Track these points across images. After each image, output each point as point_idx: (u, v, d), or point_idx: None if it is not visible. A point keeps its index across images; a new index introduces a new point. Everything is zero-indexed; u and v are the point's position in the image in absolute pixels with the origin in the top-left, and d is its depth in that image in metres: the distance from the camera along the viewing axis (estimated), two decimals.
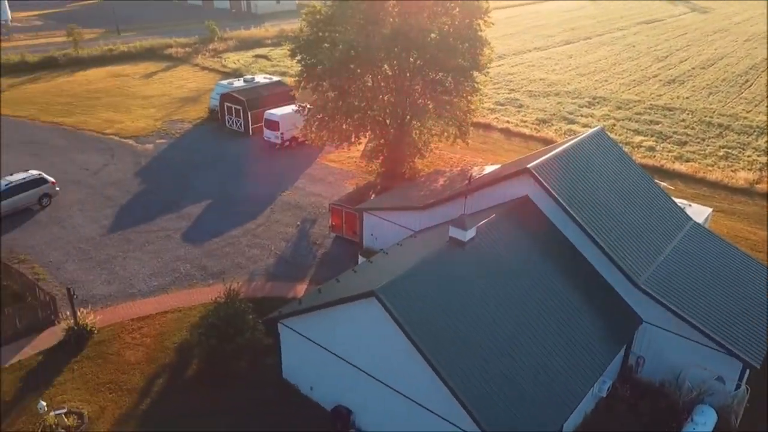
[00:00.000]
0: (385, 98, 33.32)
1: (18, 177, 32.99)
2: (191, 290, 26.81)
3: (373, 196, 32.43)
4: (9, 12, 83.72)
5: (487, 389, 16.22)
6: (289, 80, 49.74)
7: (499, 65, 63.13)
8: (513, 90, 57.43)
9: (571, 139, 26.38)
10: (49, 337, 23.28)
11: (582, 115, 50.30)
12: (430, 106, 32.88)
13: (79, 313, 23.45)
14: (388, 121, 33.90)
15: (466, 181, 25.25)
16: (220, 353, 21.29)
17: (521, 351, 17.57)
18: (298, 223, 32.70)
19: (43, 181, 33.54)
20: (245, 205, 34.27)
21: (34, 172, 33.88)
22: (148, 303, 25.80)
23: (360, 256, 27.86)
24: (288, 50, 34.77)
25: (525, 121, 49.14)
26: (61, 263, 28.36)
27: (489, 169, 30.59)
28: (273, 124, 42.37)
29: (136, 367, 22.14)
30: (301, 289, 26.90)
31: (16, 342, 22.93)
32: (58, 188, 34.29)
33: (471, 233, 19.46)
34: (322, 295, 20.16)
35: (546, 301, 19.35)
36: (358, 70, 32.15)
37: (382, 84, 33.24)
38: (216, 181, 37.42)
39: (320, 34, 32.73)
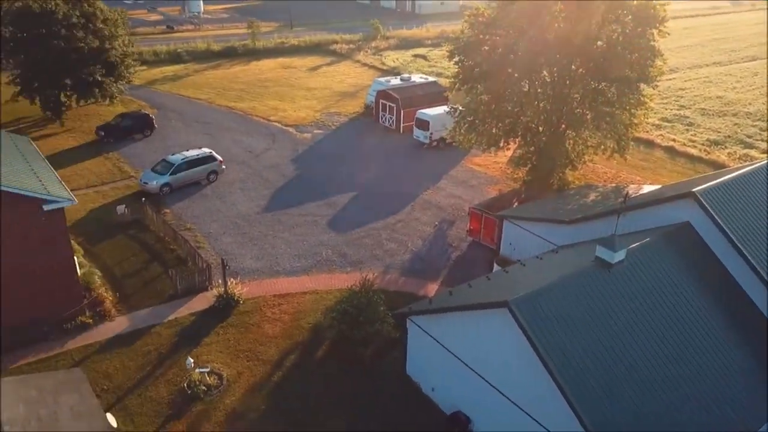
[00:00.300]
0: (541, 105, 32.31)
1: (192, 153, 36.56)
2: (330, 275, 28.01)
3: (516, 204, 31.63)
4: (202, 5, 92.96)
5: (614, 417, 15.14)
6: (444, 81, 50.04)
7: (670, 79, 58.54)
8: (683, 106, 53.00)
9: (747, 166, 23.76)
10: (201, 301, 25.54)
11: (763, 140, 45.16)
12: (588, 117, 31.32)
13: (229, 283, 25.48)
14: (540, 129, 32.85)
15: (621, 199, 23.75)
16: (349, 339, 22.03)
17: (657, 387, 16.17)
18: (436, 223, 32.83)
19: (213, 159, 36.84)
20: (388, 199, 35.08)
21: (206, 150, 37.33)
22: (291, 282, 27.36)
23: (495, 264, 27.33)
24: (447, 51, 34.93)
25: (694, 141, 45.16)
26: (218, 235, 30.99)
27: (647, 188, 28.48)
28: (423, 124, 42.89)
29: (272, 341, 23.59)
30: (432, 288, 27.01)
31: (175, 301, 25.44)
32: (224, 166, 37.48)
33: (620, 255, 18.24)
34: (452, 297, 20.06)
35: (697, 339, 17.63)
36: (516, 75, 31.48)
37: (539, 90, 32.26)
38: (363, 174, 38.69)
39: (481, 36, 32.47)
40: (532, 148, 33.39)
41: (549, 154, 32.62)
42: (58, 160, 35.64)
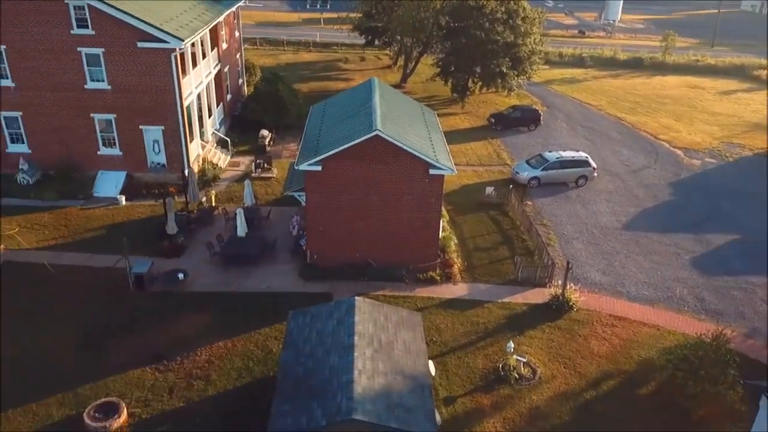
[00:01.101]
0: None
1: (568, 154, 36.86)
2: (678, 315, 25.28)
3: None
4: (620, 13, 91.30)
5: None
6: None
7: None
8: None
9: None
10: (537, 295, 25.95)
11: None
12: None
13: (568, 287, 25.26)
14: None
15: None
16: (681, 389, 19.69)
17: None
18: None
19: (587, 164, 36.49)
20: None
21: (582, 154, 37.16)
22: (631, 307, 25.65)
23: None
24: None
25: None
26: (571, 238, 30.79)
27: None
28: None
29: (595, 358, 22.64)
30: None
31: (513, 287, 26.47)
32: (596, 174, 36.79)
33: None
34: None
35: None
36: None
37: None
38: (753, 218, 33.31)
39: None
40: None
41: None
42: (451, 136, 39.98)
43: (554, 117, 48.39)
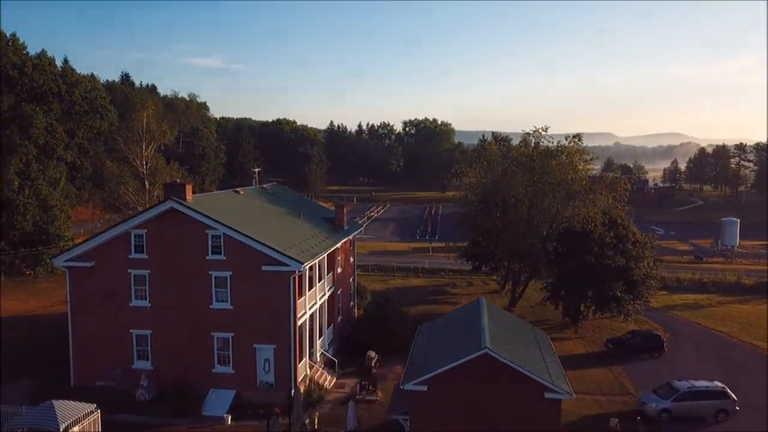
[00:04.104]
0: None
1: (701, 384, 33.17)
2: None
3: None
4: (738, 238, 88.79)
5: None
6: None
7: None
8: None
9: None
10: None
11: None
12: None
13: None
14: None
15: None
16: None
17: None
18: None
19: (725, 395, 32.44)
20: None
21: (718, 384, 33.27)
22: None
23: None
24: None
25: None
26: None
27: None
28: None
29: None
30: None
31: None
32: (738, 408, 32.37)
33: None
34: None
35: None
36: None
37: None
38: None
39: None
40: None
41: None
42: (565, 362, 37.61)
43: (679, 343, 44.86)
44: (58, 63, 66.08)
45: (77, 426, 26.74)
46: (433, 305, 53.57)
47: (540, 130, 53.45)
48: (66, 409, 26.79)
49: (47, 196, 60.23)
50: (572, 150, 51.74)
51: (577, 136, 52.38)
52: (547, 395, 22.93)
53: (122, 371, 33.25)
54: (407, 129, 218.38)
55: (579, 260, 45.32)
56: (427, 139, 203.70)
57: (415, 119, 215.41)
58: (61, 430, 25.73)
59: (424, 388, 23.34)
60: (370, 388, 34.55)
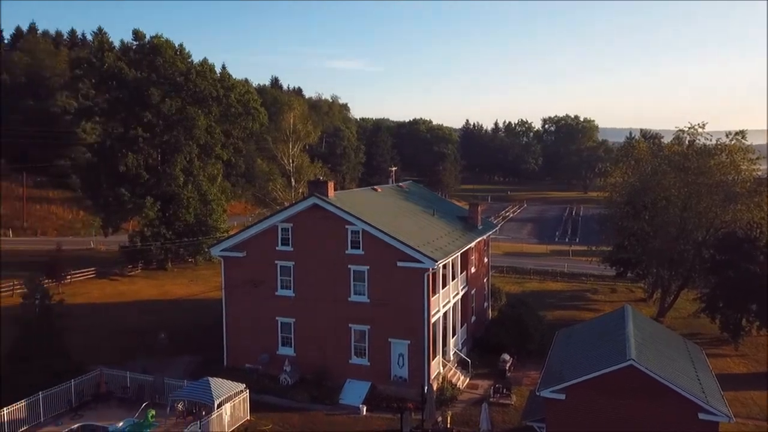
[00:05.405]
0: None
1: None
2: None
3: None
4: None
5: None
6: None
7: None
8: None
9: None
10: None
11: None
12: None
13: None
14: None
15: None
16: None
17: None
18: None
19: None
20: None
21: None
22: None
23: None
24: None
25: None
26: None
27: None
28: None
29: None
30: None
31: None
32: None
33: None
34: None
35: None
36: None
37: None
38: None
39: None
40: None
41: None
42: (722, 381, 34.19)
43: None
44: (217, 69, 71.88)
45: (229, 403, 29.09)
46: (572, 311, 51.26)
47: (696, 127, 49.21)
48: (220, 386, 29.25)
49: (206, 191, 66.05)
50: (734, 148, 47.00)
51: (741, 133, 47.49)
52: (702, 416, 20.94)
53: (268, 356, 35.53)
54: (546, 126, 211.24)
55: (741, 269, 40.97)
56: (569, 136, 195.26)
57: (555, 116, 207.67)
58: (216, 404, 28.13)
59: (562, 396, 22.36)
60: (504, 391, 33.88)
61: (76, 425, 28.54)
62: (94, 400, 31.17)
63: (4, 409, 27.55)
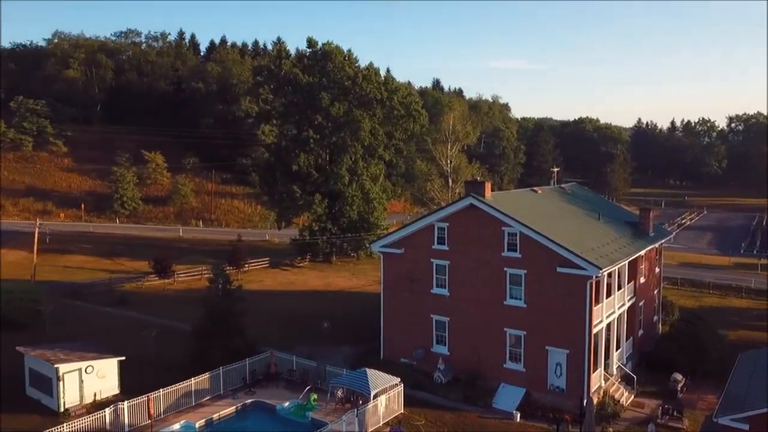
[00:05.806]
0: None
1: None
2: None
3: None
4: None
5: None
6: None
7: None
8: None
9: None
10: None
11: None
12: None
13: None
14: None
15: None
16: None
17: None
18: None
19: None
20: None
21: None
22: None
23: None
24: None
25: None
26: None
27: None
28: None
29: None
30: None
31: None
32: None
33: None
34: None
35: None
36: None
37: None
38: None
39: None
40: None
41: None
42: None
43: None
44: (382, 73, 74.73)
45: (384, 395, 30.10)
46: (760, 332, 45.51)
47: None
48: (376, 377, 30.39)
49: (369, 190, 68.96)
50: None
51: None
52: None
53: (423, 352, 36.13)
54: (733, 125, 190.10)
55: None
56: (760, 136, 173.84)
57: (744, 114, 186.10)
58: (372, 395, 29.27)
59: (745, 426, 20.01)
60: (675, 413, 31.10)
61: (249, 400, 31.45)
62: (265, 378, 34.04)
63: (192, 379, 31.15)
